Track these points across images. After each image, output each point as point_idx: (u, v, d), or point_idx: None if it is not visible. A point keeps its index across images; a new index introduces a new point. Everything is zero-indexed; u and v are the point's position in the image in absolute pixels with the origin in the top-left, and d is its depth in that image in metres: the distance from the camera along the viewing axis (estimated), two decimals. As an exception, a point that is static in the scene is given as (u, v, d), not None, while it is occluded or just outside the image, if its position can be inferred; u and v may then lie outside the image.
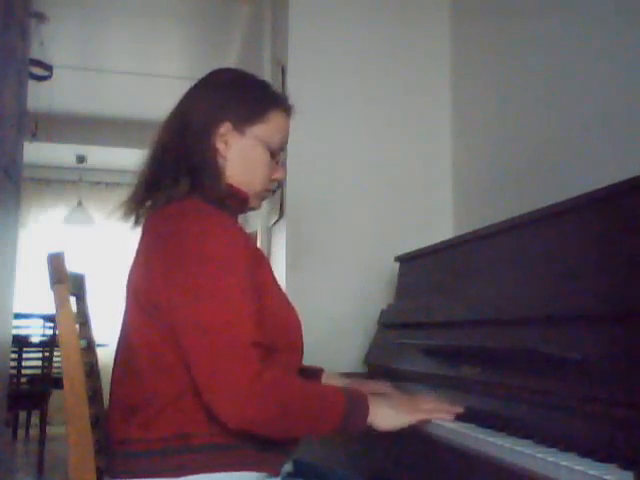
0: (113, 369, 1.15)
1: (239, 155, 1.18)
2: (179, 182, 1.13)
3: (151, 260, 1.08)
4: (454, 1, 2.52)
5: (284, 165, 1.33)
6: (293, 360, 1.19)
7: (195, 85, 1.25)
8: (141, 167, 1.20)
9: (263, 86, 1.26)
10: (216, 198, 1.13)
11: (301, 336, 1.20)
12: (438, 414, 1.15)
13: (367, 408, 1.07)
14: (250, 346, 1.00)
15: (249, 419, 0.99)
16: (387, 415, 1.09)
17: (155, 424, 1.04)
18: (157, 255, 1.07)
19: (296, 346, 1.19)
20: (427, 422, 1.14)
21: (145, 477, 1.03)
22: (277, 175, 1.25)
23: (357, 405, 1.07)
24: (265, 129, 1.20)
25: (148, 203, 1.18)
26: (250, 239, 1.16)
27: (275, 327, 1.11)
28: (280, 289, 1.21)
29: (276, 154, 1.23)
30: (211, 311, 1.01)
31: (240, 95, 1.20)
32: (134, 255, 1.16)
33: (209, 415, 1.02)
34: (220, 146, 1.17)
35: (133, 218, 1.20)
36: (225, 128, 1.17)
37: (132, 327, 1.11)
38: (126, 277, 1.15)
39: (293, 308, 1.21)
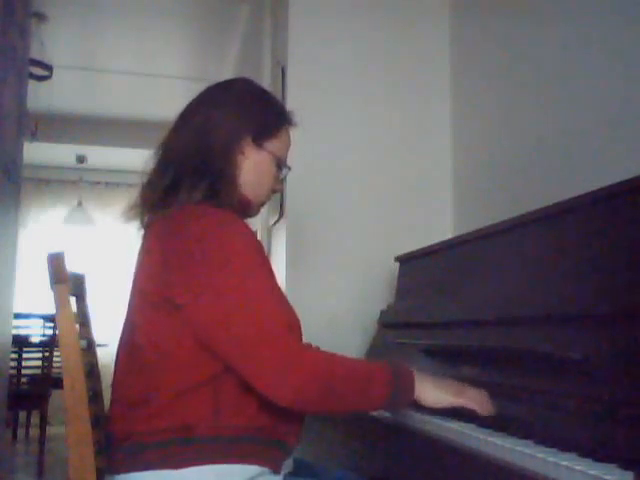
0: (115, 366, 1.16)
1: (253, 167, 1.23)
2: (196, 188, 1.15)
3: (170, 261, 1.09)
4: (454, 1, 2.53)
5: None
6: None
7: (214, 92, 1.27)
8: (152, 170, 1.22)
9: (278, 103, 1.33)
10: (228, 205, 1.17)
11: (301, 337, 1.21)
12: (479, 406, 1.12)
13: (413, 382, 1.10)
14: (288, 328, 1.07)
15: (300, 392, 1.02)
16: (433, 392, 1.12)
17: (159, 417, 1.05)
18: (176, 256, 1.09)
19: None
20: (468, 409, 1.13)
21: (148, 469, 1.03)
22: (278, 187, 1.32)
23: (404, 379, 1.10)
24: (277, 144, 1.26)
25: (158, 206, 1.19)
26: (259, 241, 1.20)
27: None
28: (281, 291, 1.21)
29: (281, 167, 1.29)
30: (245, 304, 1.05)
31: (263, 111, 1.26)
32: (140, 255, 1.17)
33: (213, 408, 1.05)
34: (239, 157, 1.21)
35: (140, 220, 1.21)
36: (246, 141, 1.22)
37: (139, 324, 1.12)
38: (131, 276, 1.16)
39: (293, 309, 1.22)
